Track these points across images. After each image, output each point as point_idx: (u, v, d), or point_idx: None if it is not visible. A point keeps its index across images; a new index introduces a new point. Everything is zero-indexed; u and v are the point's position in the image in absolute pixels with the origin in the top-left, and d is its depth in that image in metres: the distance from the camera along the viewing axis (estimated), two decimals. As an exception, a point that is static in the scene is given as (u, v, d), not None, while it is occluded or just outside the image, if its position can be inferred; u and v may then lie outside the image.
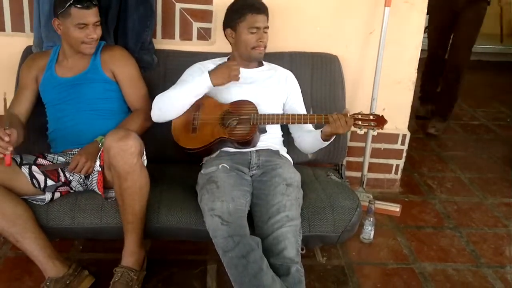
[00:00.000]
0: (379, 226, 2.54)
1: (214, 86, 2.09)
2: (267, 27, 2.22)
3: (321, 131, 2.10)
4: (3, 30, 2.50)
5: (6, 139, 1.83)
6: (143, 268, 2.04)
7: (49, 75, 2.22)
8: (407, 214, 2.73)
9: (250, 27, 2.18)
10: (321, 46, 2.60)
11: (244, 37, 2.19)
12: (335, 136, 2.12)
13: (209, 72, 2.09)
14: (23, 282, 2.08)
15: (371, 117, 2.05)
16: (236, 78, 2.09)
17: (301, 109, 2.33)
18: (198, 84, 2.10)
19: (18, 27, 2.49)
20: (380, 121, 2.04)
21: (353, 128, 2.07)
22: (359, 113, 2.06)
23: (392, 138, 2.89)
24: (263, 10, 2.21)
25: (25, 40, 2.46)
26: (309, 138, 2.22)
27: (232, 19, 2.23)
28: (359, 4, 2.61)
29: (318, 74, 2.53)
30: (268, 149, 2.19)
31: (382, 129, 2.05)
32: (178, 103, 2.13)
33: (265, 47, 2.23)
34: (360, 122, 2.05)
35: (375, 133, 2.07)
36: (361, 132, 2.08)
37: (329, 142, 2.13)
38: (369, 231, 2.43)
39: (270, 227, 1.86)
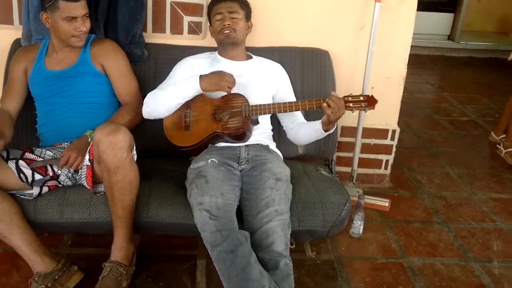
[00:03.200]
0: (369, 221, 2.56)
1: (203, 91, 2.09)
2: (234, 12, 2.23)
3: (321, 121, 2.10)
4: (-8, 22, 2.47)
5: None
6: (132, 263, 2.03)
7: (38, 68, 2.20)
8: (396, 209, 2.75)
9: (215, 14, 2.25)
10: (311, 41, 2.60)
11: (214, 25, 2.27)
12: (335, 125, 2.12)
13: (201, 76, 2.09)
14: (11, 277, 2.07)
15: (362, 98, 2.05)
16: (226, 89, 2.07)
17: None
18: (188, 87, 2.10)
19: (6, 19, 2.47)
20: (370, 101, 2.04)
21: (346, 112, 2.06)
22: (349, 95, 2.05)
23: (382, 133, 2.91)
24: None
25: (13, 32, 2.43)
26: (304, 130, 2.23)
27: (208, 15, 2.34)
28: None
29: (309, 69, 2.53)
30: (257, 143, 2.19)
31: (373, 109, 2.04)
32: (168, 103, 2.13)
33: (234, 30, 2.22)
34: (351, 104, 2.04)
35: (367, 114, 2.06)
36: (353, 113, 2.07)
37: (330, 132, 2.12)
38: (358, 226, 2.44)
39: (259, 221, 1.87)
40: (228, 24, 2.20)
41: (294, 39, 2.59)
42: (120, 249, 1.95)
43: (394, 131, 2.91)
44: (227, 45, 2.26)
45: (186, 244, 2.28)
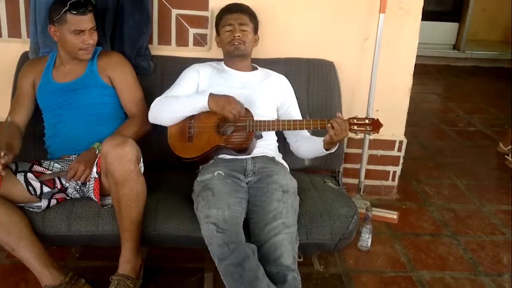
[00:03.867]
0: (377, 234, 2.54)
1: (209, 108, 2.08)
2: (244, 24, 2.25)
3: (323, 140, 2.09)
4: (0, 36, 2.49)
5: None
6: (140, 276, 2.02)
7: (46, 80, 2.22)
8: (404, 221, 2.72)
9: (224, 25, 2.26)
10: (317, 52, 2.60)
11: (223, 36, 2.27)
12: (338, 144, 2.11)
13: (210, 94, 2.08)
14: (19, 290, 2.07)
15: (367, 121, 2.04)
16: (229, 115, 2.04)
17: (296, 114, 2.33)
18: (196, 102, 2.10)
19: (14, 33, 2.49)
20: (375, 124, 2.03)
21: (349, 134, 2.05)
22: (354, 117, 2.04)
23: (388, 144, 2.89)
24: (236, 9, 2.29)
25: (21, 46, 2.45)
26: (308, 144, 2.23)
27: (216, 25, 2.35)
28: (354, 10, 2.61)
29: (314, 80, 2.52)
30: (263, 155, 2.18)
31: (378, 132, 2.04)
32: (174, 114, 2.14)
33: (243, 42, 2.23)
34: (355, 127, 2.03)
35: (371, 137, 2.05)
36: (356, 136, 2.07)
37: (331, 151, 2.12)
38: (366, 239, 2.42)
39: (267, 234, 1.85)
40: (238, 36, 2.21)
41: (299, 50, 2.59)
42: (127, 262, 1.94)
43: (401, 142, 2.90)
44: (235, 57, 2.26)
45: (193, 257, 2.27)
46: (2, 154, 1.83)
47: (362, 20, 2.63)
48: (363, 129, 2.03)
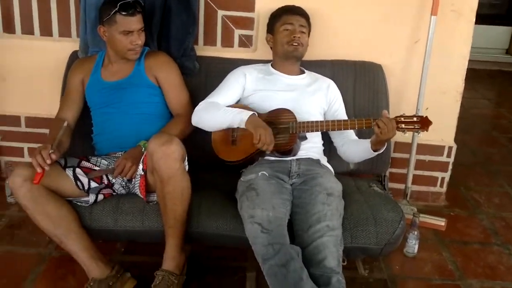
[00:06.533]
0: (423, 240, 2.47)
1: (244, 126, 2.05)
2: (303, 26, 2.25)
3: (370, 141, 2.05)
4: (51, 35, 2.58)
5: (48, 161, 1.83)
6: (183, 272, 2.03)
7: (94, 78, 2.27)
8: (452, 228, 2.65)
9: (284, 23, 2.24)
10: (364, 54, 2.56)
11: (280, 35, 2.25)
12: (385, 145, 2.06)
13: (253, 115, 2.05)
14: (67, 281, 2.12)
15: (415, 118, 1.95)
16: (255, 143, 1.98)
17: (343, 118, 2.29)
18: (236, 117, 2.07)
19: (65, 32, 2.57)
20: (424, 122, 1.95)
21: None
22: (401, 115, 1.97)
23: (437, 150, 2.81)
24: (297, 11, 2.28)
25: (71, 45, 2.53)
26: (355, 148, 2.19)
27: (271, 23, 2.33)
28: (404, 12, 2.56)
29: (361, 83, 2.48)
30: (308, 158, 2.16)
31: (427, 130, 1.95)
32: (214, 124, 2.15)
33: (301, 45, 2.22)
34: (403, 125, 1.95)
35: (420, 135, 1.97)
36: (405, 134, 2.00)
37: (380, 152, 2.07)
38: (413, 245, 2.36)
39: (310, 236, 1.83)
40: (299, 37, 2.21)
41: (346, 52, 2.56)
42: (171, 259, 1.95)
43: (450, 148, 2.81)
44: (291, 58, 2.25)
45: (236, 255, 2.27)
46: (51, 151, 1.88)
47: (412, 22, 2.57)
48: (411, 127, 1.95)
